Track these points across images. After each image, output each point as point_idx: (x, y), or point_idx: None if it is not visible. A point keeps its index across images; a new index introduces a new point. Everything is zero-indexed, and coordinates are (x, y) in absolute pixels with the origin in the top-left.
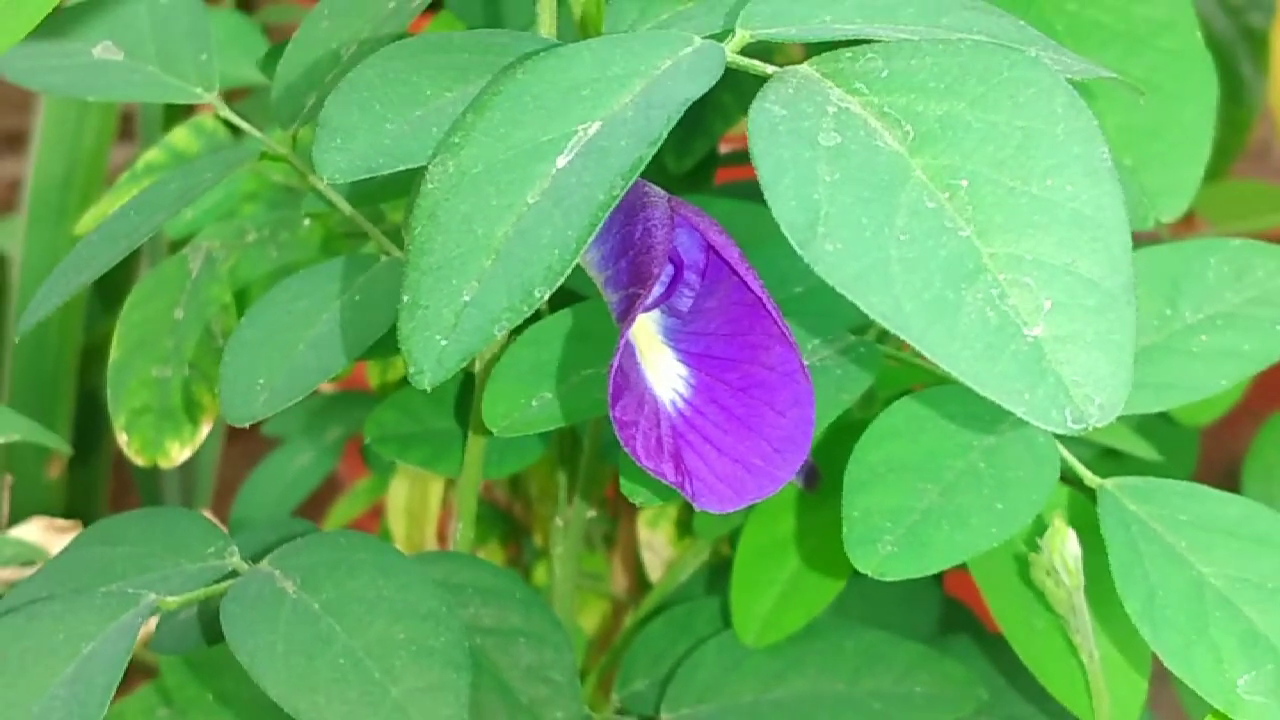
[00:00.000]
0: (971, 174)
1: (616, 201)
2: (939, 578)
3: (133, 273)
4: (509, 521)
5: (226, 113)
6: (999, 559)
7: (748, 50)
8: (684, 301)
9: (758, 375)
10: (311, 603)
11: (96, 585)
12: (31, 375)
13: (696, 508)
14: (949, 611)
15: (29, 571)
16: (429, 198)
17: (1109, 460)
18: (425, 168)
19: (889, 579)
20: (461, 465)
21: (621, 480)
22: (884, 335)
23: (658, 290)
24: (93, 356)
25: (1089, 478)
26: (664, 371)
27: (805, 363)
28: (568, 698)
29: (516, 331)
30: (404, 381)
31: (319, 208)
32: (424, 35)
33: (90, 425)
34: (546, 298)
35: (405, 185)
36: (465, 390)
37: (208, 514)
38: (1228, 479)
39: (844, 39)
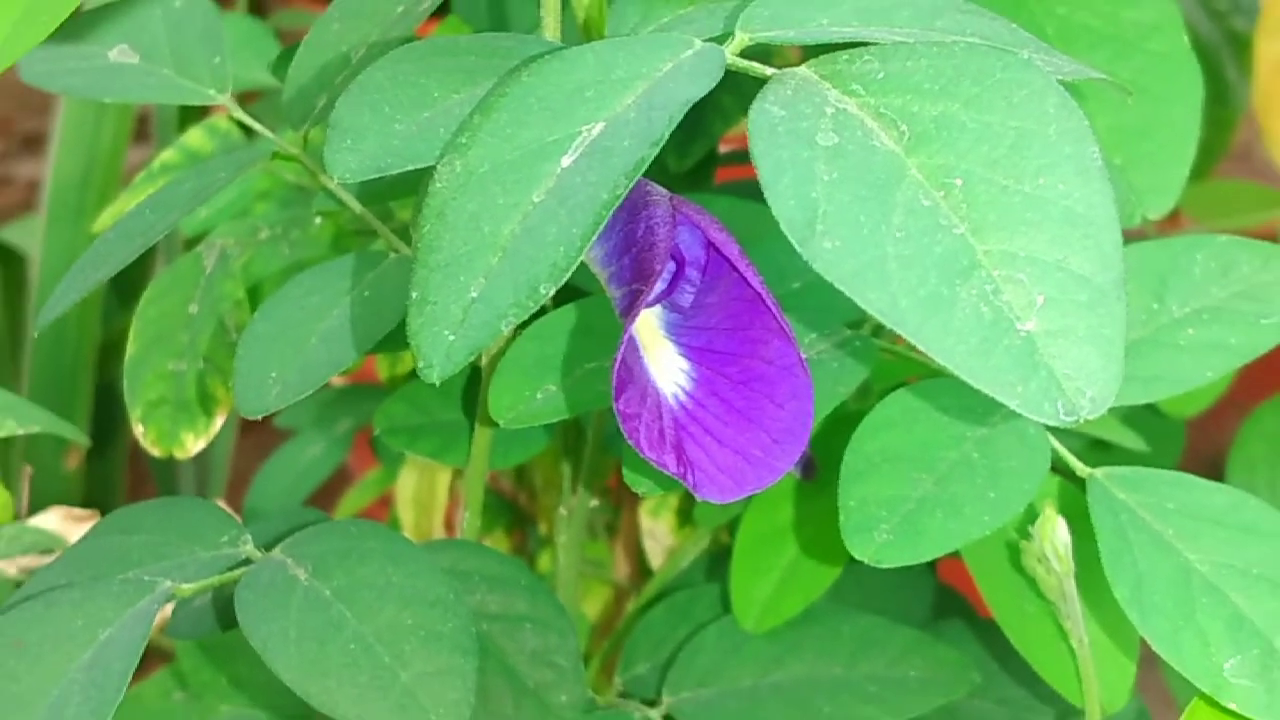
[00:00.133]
0: (966, 173)
1: (620, 200)
2: (933, 564)
3: (149, 269)
4: (514, 510)
5: (240, 114)
6: (991, 546)
7: (747, 53)
8: (685, 297)
9: (757, 369)
10: (323, 589)
11: (114, 573)
12: (50, 369)
13: (698, 498)
14: (942, 597)
15: (48, 559)
16: (437, 197)
17: (1098, 450)
18: (433, 167)
19: (884, 566)
20: (468, 456)
21: (624, 471)
22: (879, 329)
23: (660, 286)
24: (110, 351)
25: (1079, 467)
26: (666, 365)
27: (803, 356)
28: (572, 681)
29: (522, 326)
30: (412, 375)
31: (330, 206)
32: (432, 39)
33: (108, 417)
34: (552, 294)
35: (414, 184)
36: (472, 383)
37: (222, 504)
38: (1212, 469)
39: (841, 41)
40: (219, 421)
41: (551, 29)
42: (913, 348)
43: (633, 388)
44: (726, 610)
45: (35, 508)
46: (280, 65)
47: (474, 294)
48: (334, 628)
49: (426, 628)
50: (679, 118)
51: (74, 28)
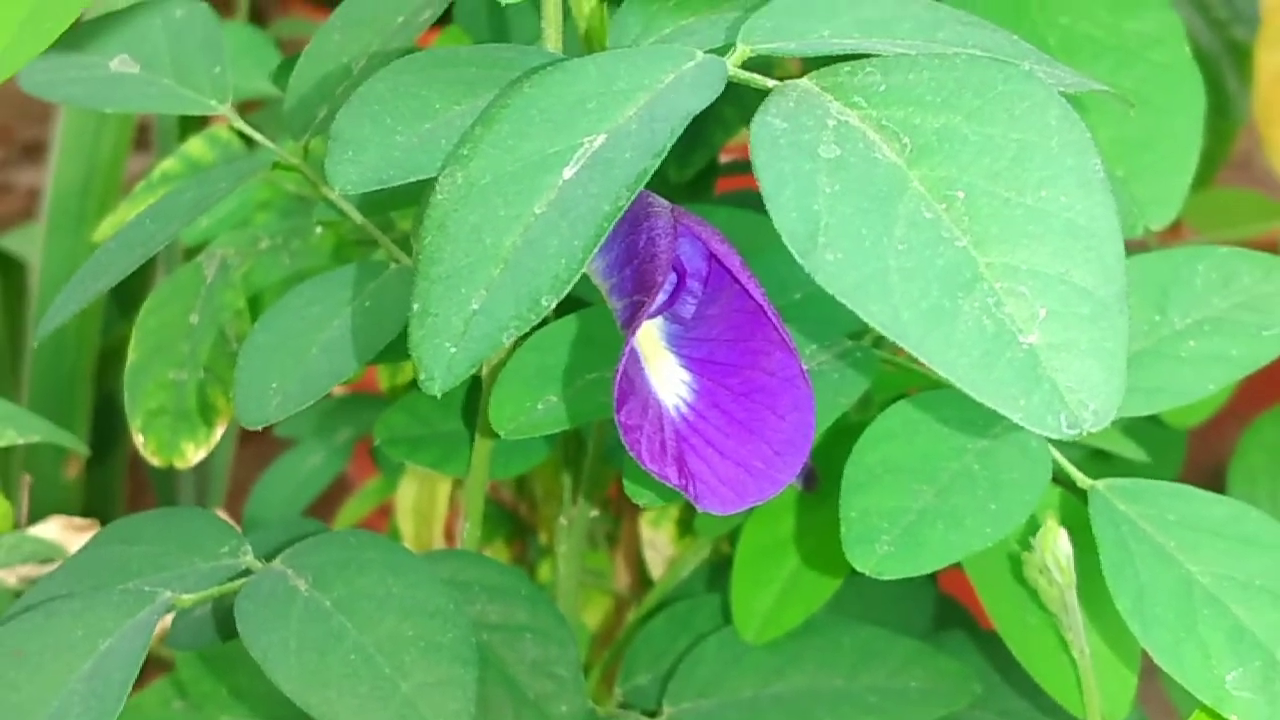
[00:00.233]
0: (968, 185)
1: (622, 212)
2: (934, 576)
3: (149, 279)
4: (515, 521)
5: (240, 124)
6: (993, 558)
7: (748, 64)
8: (687, 309)
9: (759, 380)
10: (323, 600)
11: (114, 583)
12: (50, 378)
13: (699, 509)
14: (943, 609)
15: (48, 569)
16: (438, 208)
17: (1099, 461)
18: (435, 179)
19: (886, 578)
20: (469, 466)
21: (625, 482)
22: (880, 340)
23: (661, 298)
24: (110, 360)
25: (1080, 479)
26: (667, 377)
27: (805, 368)
28: (572, 692)
29: (523, 337)
30: (413, 385)
31: (330, 216)
32: (432, 50)
33: (107, 427)
34: (553, 305)
35: (415, 194)
36: (473, 393)
37: (221, 514)
38: (1213, 480)
39: (842, 54)
40: (219, 431)
41: (553, 40)
42: (914, 359)
43: (634, 399)
44: (727, 621)
45: (35, 517)
46: (281, 75)
47: (475, 306)
48: (334, 638)
49: (427, 638)
50: (681, 129)
51: (75, 37)
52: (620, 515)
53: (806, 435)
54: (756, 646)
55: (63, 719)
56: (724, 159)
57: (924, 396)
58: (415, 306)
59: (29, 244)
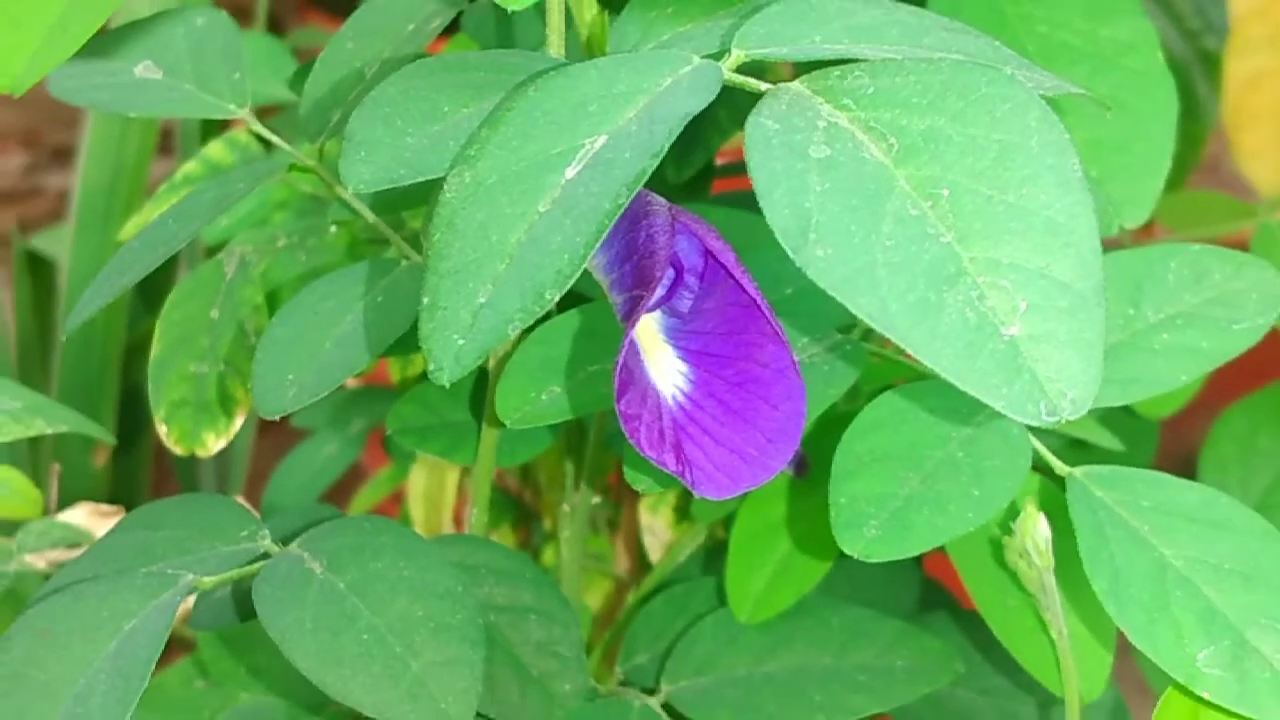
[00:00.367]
0: (952, 184)
1: (622, 210)
2: (919, 559)
3: (173, 276)
4: (520, 507)
5: (258, 127)
6: (975, 542)
7: (743, 69)
8: (684, 303)
9: (752, 371)
10: (337, 583)
11: (138, 566)
12: (79, 371)
13: (695, 495)
14: (928, 591)
15: (75, 553)
16: (447, 206)
17: (1077, 450)
18: (443, 178)
19: (873, 561)
20: (476, 455)
21: (625, 469)
22: (869, 333)
23: (660, 292)
24: (135, 354)
25: (1059, 466)
26: (665, 368)
27: (796, 359)
28: (575, 670)
29: (528, 330)
30: (423, 377)
31: (344, 215)
32: (442, 55)
33: (133, 417)
34: (556, 299)
35: (425, 194)
36: (480, 385)
37: (241, 500)
38: (1185, 468)
39: (833, 58)
40: (239, 421)
41: (556, 46)
42: (901, 351)
43: (633, 389)
44: (722, 602)
45: (65, 503)
46: (297, 81)
47: (482, 299)
48: (348, 619)
49: (436, 619)
50: (678, 131)
51: (100, 45)
52: (620, 502)
53: (798, 424)
54: (750, 627)
55: (88, 696)
56: (720, 162)
57: (910, 387)
58: (425, 300)
59: (58, 244)
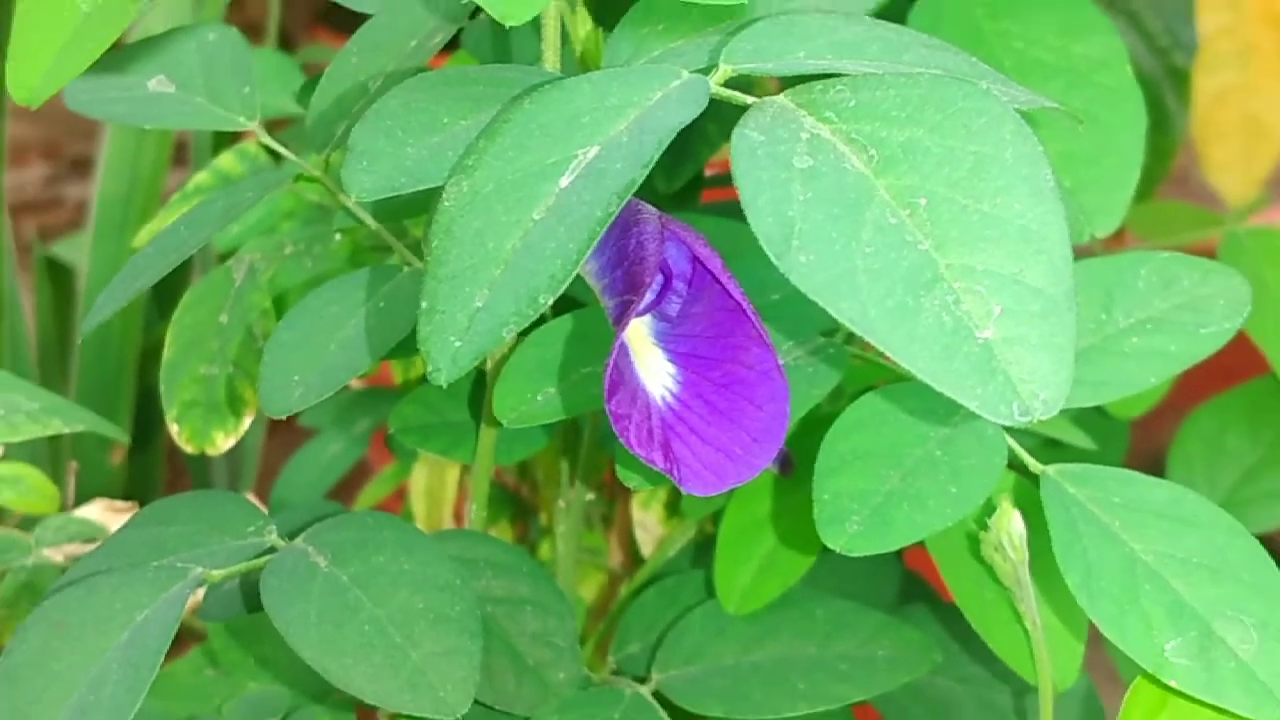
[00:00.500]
0: (930, 193)
1: (613, 218)
2: (900, 553)
3: (187, 281)
4: (518, 503)
5: (267, 139)
6: (953, 537)
7: (730, 83)
8: (673, 307)
9: (738, 373)
10: (341, 576)
11: (150, 560)
12: (96, 372)
13: (683, 491)
14: (908, 583)
15: (91, 547)
16: (445, 214)
17: (1050, 449)
18: (442, 187)
19: (855, 555)
20: (475, 453)
21: (617, 466)
22: (851, 337)
23: (649, 297)
24: (151, 356)
25: (1033, 464)
26: (654, 370)
27: (780, 362)
28: (569, 660)
29: (524, 334)
30: (424, 378)
31: (349, 224)
32: (442, 70)
33: (148, 417)
34: (550, 304)
35: (425, 203)
36: (478, 386)
37: (251, 496)
38: (1154, 466)
39: (816, 73)
40: (247, 421)
41: (551, 61)
42: (881, 354)
43: (624, 390)
44: (711, 595)
45: (82, 499)
46: (304, 94)
47: (479, 304)
48: (351, 611)
49: (436, 611)
50: (667, 142)
51: (115, 60)
52: (614, 498)
53: (782, 424)
54: (738, 618)
55: (100, 685)
56: (709, 173)
57: (890, 389)
58: (423, 304)
59: (78, 251)
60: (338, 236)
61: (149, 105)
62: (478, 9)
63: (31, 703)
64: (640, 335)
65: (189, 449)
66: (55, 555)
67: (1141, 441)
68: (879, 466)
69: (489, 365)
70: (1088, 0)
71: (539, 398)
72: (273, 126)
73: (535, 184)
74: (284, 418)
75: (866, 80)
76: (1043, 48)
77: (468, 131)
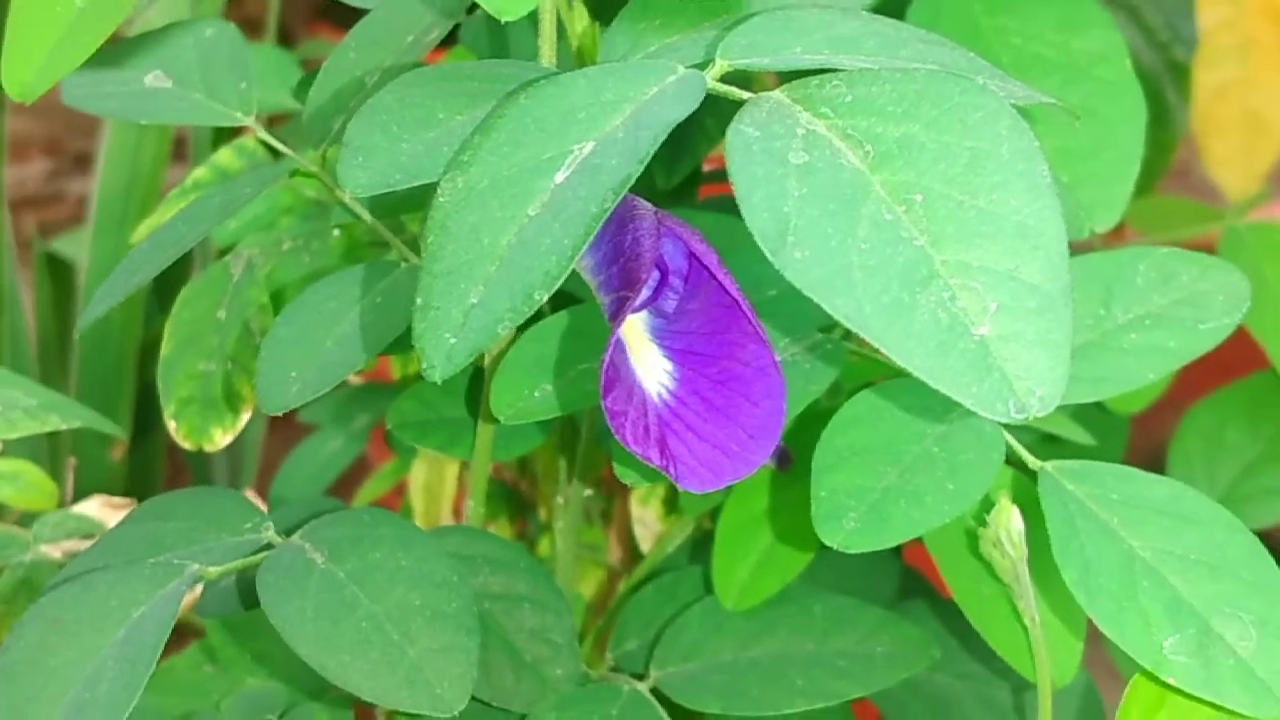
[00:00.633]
0: (926, 189)
1: (608, 214)
2: (898, 549)
3: (186, 276)
4: (516, 499)
5: (264, 135)
6: (951, 533)
7: (726, 78)
8: (669, 303)
9: (735, 370)
10: (338, 572)
11: (147, 556)
12: (96, 368)
13: (680, 488)
14: (906, 579)
15: (89, 543)
16: (440, 210)
17: (1048, 445)
18: (438, 183)
19: (853, 551)
20: (473, 449)
21: (614, 464)
22: (848, 334)
23: (645, 293)
24: (151, 352)
25: (1031, 461)
26: (651, 366)
27: (777, 358)
28: (567, 657)
29: (521, 330)
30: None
31: (346, 219)
32: (438, 65)
33: (148, 413)
34: (546, 300)
35: (422, 199)
36: (476, 382)
37: (250, 493)
38: (1153, 462)
39: (812, 68)
40: (244, 417)
41: (547, 56)
42: (877, 350)
43: (620, 387)
44: (709, 591)
45: (82, 495)
46: (301, 90)
47: (474, 300)
48: (348, 607)
49: (433, 607)
50: (663, 137)
51: (112, 55)
52: (612, 494)
53: (779, 420)
54: (736, 614)
55: (97, 682)
56: (707, 168)
57: (887, 385)
58: (418, 300)
59: (78, 247)
60: (335, 232)
61: (145, 100)
62: (474, 4)
63: (28, 699)
64: (636, 331)
65: (186, 445)
66: (53, 551)
67: (1141, 437)
68: (876, 463)
69: (486, 361)
70: None
71: (536, 394)
72: (272, 122)
73: (530, 180)
74: (280, 414)
75: (863, 75)
76: (1041, 43)
77: (463, 127)
